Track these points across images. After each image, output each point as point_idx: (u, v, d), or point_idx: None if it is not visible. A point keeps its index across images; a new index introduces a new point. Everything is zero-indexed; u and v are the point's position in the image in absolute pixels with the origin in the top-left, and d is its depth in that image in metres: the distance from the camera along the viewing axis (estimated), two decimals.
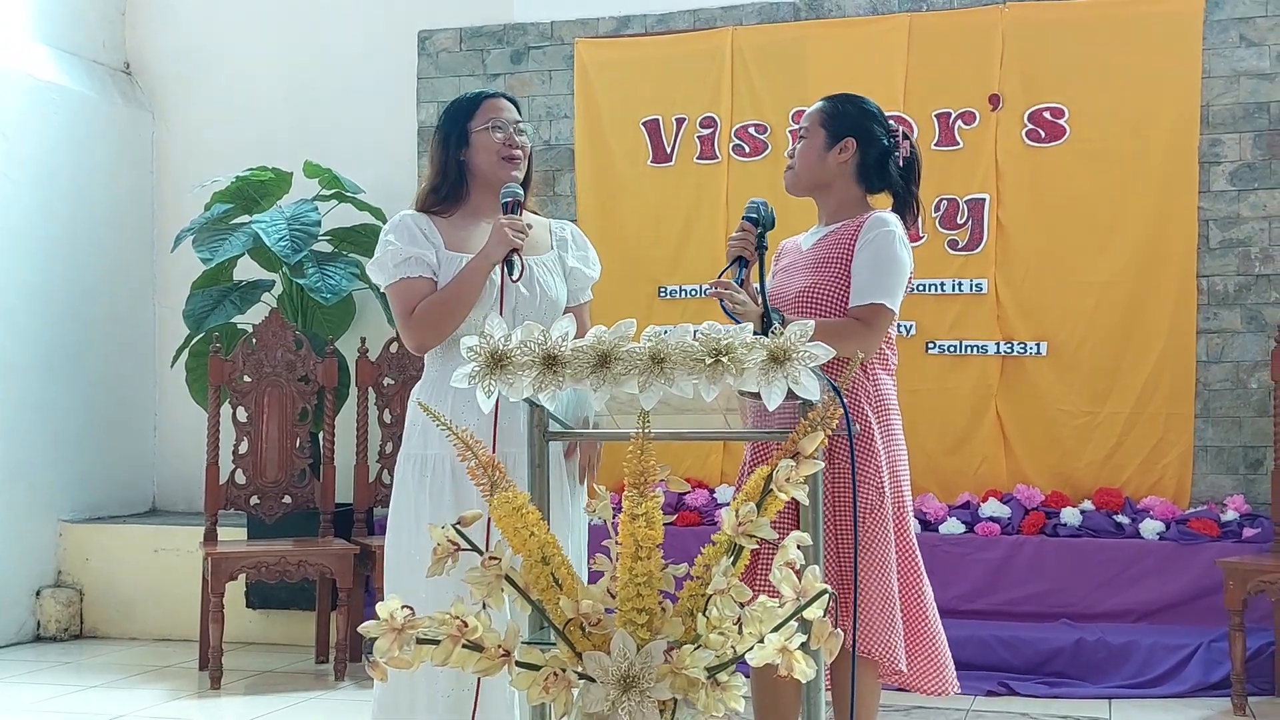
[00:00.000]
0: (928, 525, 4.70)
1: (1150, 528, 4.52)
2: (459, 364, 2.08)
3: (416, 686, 2.68)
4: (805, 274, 2.77)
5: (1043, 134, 4.88)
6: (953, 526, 4.66)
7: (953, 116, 4.96)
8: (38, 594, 5.34)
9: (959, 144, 4.95)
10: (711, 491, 4.95)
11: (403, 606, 1.90)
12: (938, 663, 2.72)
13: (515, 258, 2.70)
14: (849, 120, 2.81)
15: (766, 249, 2.73)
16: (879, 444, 2.71)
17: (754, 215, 2.67)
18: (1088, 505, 4.66)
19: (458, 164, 2.86)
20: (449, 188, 2.86)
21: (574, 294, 2.91)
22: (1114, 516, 4.61)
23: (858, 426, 2.59)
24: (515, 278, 2.71)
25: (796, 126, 2.87)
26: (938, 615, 2.77)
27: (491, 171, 2.83)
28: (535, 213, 2.95)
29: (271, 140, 5.72)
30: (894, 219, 2.77)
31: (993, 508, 4.69)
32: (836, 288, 2.72)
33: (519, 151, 2.84)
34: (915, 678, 2.70)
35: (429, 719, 2.69)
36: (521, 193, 2.79)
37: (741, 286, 2.63)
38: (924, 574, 2.77)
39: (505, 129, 2.84)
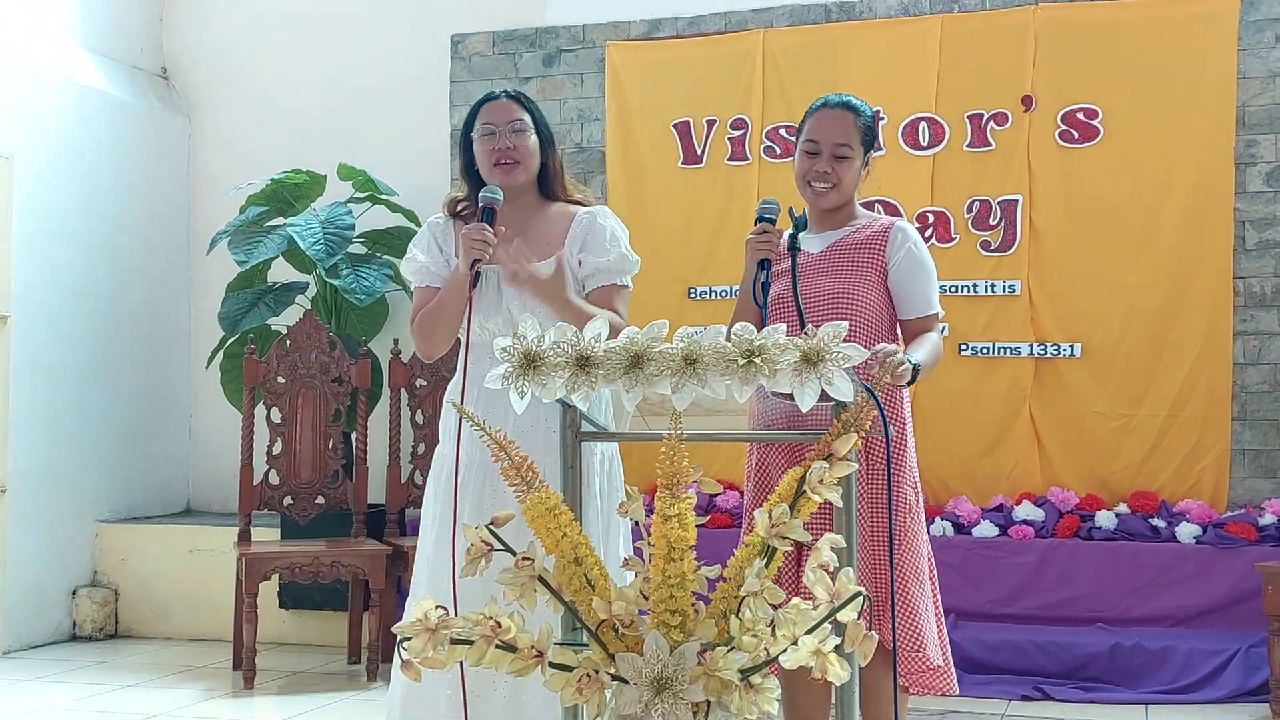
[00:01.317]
0: (961, 528, 4.67)
1: (1186, 532, 4.47)
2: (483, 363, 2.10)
3: (437, 690, 2.68)
4: (829, 278, 2.78)
5: (1076, 135, 4.85)
6: (986, 529, 4.63)
7: (985, 118, 4.93)
8: (74, 594, 5.40)
9: (991, 145, 4.93)
10: (744, 494, 4.94)
11: (437, 606, 1.91)
12: (948, 663, 2.78)
13: (479, 269, 2.67)
14: (875, 137, 2.89)
15: (799, 249, 2.73)
16: (910, 445, 2.74)
17: (771, 216, 2.69)
18: (1123, 509, 4.62)
19: (472, 172, 2.87)
20: (472, 194, 2.87)
21: (587, 281, 2.80)
22: (1150, 520, 4.56)
23: (894, 429, 2.61)
24: (471, 289, 2.67)
25: (834, 142, 2.79)
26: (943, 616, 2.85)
27: (488, 178, 2.81)
28: (580, 202, 2.89)
29: (305, 143, 5.76)
30: (910, 227, 2.86)
31: (1026, 511, 4.66)
32: (871, 292, 2.76)
33: (510, 154, 2.78)
34: (930, 676, 2.72)
35: None
36: (498, 198, 2.72)
37: (767, 289, 2.65)
38: (936, 574, 2.83)
39: (495, 132, 2.80)
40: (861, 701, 2.23)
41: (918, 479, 2.80)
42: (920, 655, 2.64)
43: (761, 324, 2.56)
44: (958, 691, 2.78)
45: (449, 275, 2.77)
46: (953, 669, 2.78)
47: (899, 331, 2.81)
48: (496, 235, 2.68)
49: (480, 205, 2.71)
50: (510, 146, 2.79)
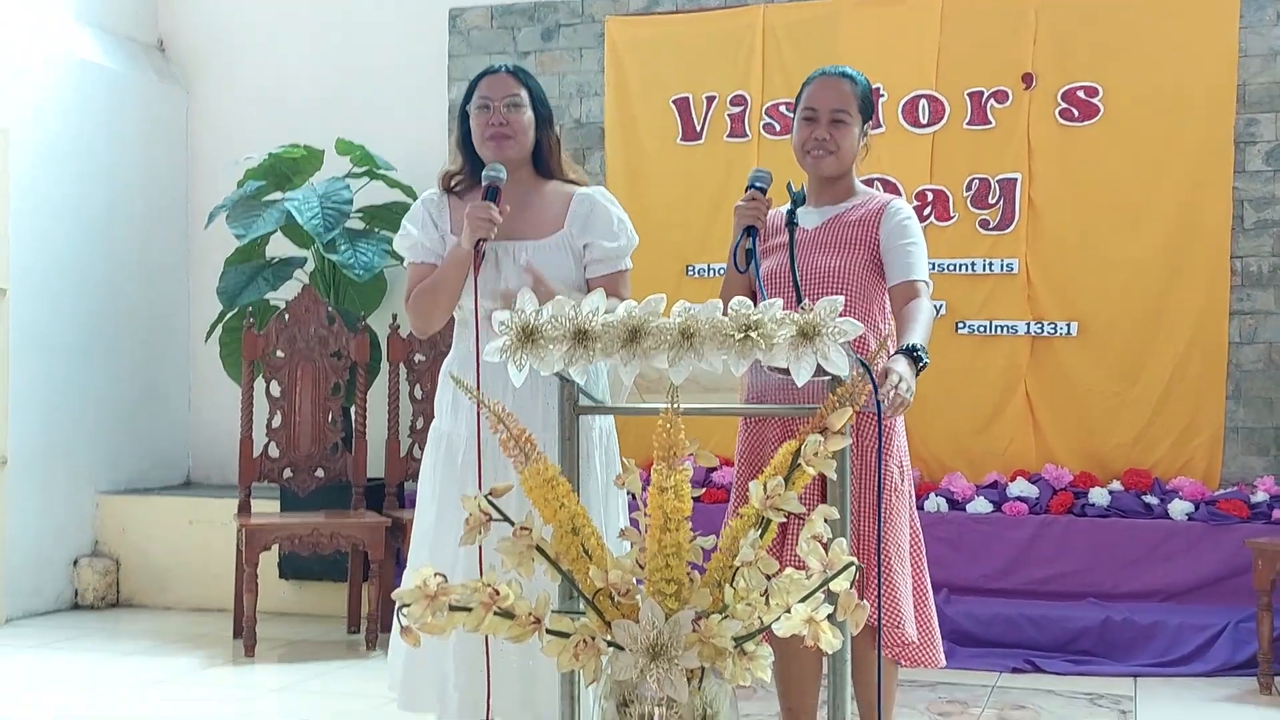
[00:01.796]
0: (955, 504, 4.71)
1: (1179, 508, 4.50)
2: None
3: (439, 667, 2.71)
4: (825, 254, 2.79)
5: (1076, 113, 4.85)
6: (980, 506, 4.66)
7: (985, 95, 4.94)
8: (75, 563, 5.44)
9: (991, 123, 4.93)
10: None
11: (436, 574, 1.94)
12: (934, 637, 2.80)
13: (483, 247, 2.68)
14: (873, 107, 2.88)
15: (797, 225, 2.74)
16: (900, 422, 2.75)
17: (763, 185, 2.70)
18: (1116, 486, 4.65)
19: (468, 144, 2.87)
20: (466, 168, 2.88)
21: (593, 266, 2.82)
22: (1143, 497, 4.60)
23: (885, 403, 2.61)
24: (477, 269, 2.69)
25: (831, 108, 2.80)
26: (932, 591, 2.84)
27: (481, 151, 2.82)
28: (575, 181, 2.89)
29: (303, 117, 5.75)
30: (905, 204, 2.86)
31: (1021, 487, 4.69)
32: (865, 268, 2.77)
33: (504, 129, 2.78)
34: (914, 650, 2.75)
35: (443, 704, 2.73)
36: (501, 176, 2.72)
37: (751, 257, 2.64)
38: (924, 550, 2.83)
39: (491, 107, 2.80)
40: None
41: (905, 457, 2.80)
42: (898, 631, 2.66)
43: (749, 291, 2.57)
44: (942, 664, 2.80)
45: (447, 252, 2.79)
46: (939, 643, 2.79)
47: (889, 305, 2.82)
48: (501, 214, 2.69)
49: (485, 184, 2.72)
50: (504, 121, 2.80)
